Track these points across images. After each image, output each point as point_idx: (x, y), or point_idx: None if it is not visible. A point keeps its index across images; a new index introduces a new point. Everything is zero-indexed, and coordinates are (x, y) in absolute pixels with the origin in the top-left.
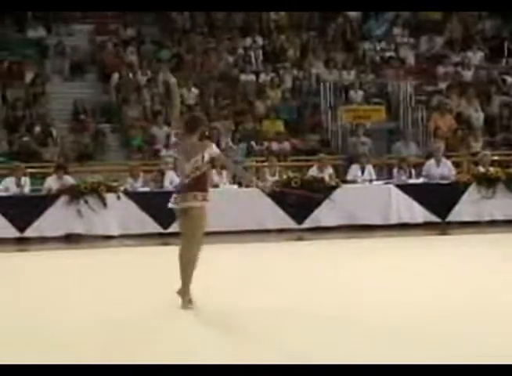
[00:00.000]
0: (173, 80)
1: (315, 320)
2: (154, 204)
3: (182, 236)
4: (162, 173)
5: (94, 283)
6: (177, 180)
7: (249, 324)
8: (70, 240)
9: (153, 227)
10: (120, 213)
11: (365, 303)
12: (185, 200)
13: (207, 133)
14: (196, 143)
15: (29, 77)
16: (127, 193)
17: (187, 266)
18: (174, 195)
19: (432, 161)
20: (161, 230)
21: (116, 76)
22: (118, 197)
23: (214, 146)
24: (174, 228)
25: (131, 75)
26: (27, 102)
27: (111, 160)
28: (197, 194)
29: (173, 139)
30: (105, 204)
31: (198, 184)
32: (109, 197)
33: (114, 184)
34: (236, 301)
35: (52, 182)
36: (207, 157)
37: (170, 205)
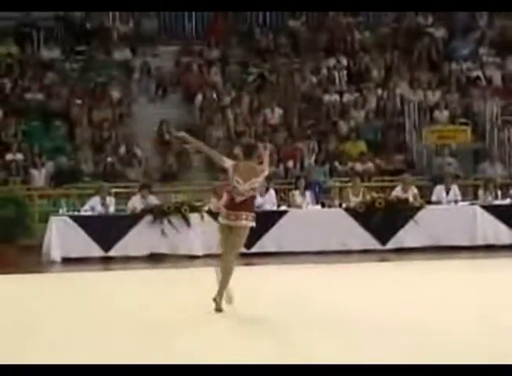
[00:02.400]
0: (181, 134)
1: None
2: None
3: (227, 250)
4: None
5: (177, 303)
6: (260, 200)
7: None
8: (154, 259)
9: None
10: (203, 233)
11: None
12: (239, 218)
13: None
14: (254, 166)
15: (115, 98)
16: (210, 212)
17: (229, 276)
18: (224, 212)
19: None
20: (245, 250)
21: (200, 96)
22: (202, 217)
23: (266, 172)
24: (257, 248)
25: (215, 96)
26: (113, 122)
27: (195, 180)
28: (248, 215)
29: (228, 162)
30: (188, 224)
31: (249, 205)
32: (193, 217)
33: (198, 204)
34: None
35: (136, 202)
36: (261, 180)
37: (223, 221)
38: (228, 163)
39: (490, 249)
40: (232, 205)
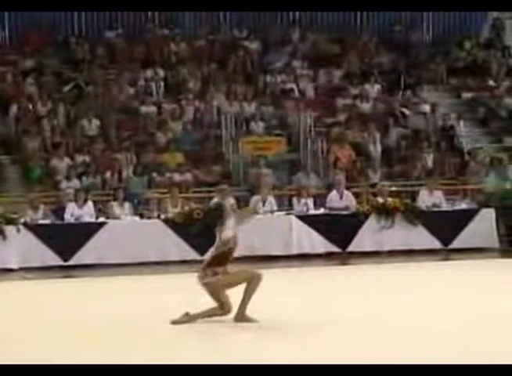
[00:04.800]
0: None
1: None
2: (55, 236)
3: None
4: (62, 205)
5: None
6: (77, 212)
7: None
8: None
9: (54, 260)
10: (20, 246)
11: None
12: None
13: None
14: None
15: None
16: (26, 225)
17: None
18: None
19: (334, 193)
20: (62, 263)
21: (15, 107)
22: (18, 230)
23: None
24: (75, 260)
25: (30, 106)
26: None
27: (10, 192)
28: None
29: None
30: (4, 237)
31: None
32: (9, 230)
33: (14, 216)
34: None
35: None
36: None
37: None
38: None
39: (305, 258)
40: None
